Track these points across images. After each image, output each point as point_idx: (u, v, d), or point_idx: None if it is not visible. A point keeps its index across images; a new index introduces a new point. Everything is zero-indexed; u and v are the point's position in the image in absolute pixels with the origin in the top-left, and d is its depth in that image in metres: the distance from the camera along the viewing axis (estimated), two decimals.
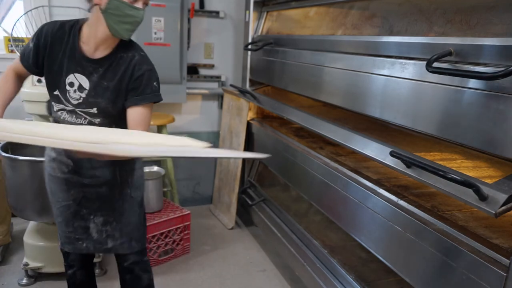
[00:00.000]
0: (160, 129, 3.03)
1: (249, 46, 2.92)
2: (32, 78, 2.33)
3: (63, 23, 1.56)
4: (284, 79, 2.50)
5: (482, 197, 1.15)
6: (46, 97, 2.25)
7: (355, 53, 1.83)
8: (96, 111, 1.55)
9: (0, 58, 2.87)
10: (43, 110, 2.31)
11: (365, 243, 1.69)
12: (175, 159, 3.33)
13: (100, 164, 1.64)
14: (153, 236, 2.53)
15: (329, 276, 1.98)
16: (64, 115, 1.58)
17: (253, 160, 3.13)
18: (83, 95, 1.54)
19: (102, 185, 1.66)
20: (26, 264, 2.28)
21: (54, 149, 1.65)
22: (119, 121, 1.58)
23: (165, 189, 3.08)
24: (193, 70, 3.38)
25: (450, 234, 1.30)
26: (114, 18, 1.44)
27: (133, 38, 2.97)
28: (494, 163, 1.53)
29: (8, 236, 2.56)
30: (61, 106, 1.57)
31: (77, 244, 1.72)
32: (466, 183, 1.16)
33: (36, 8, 2.77)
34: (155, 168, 2.91)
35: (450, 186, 1.25)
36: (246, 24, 3.03)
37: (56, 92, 1.56)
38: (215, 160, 3.47)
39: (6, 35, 2.85)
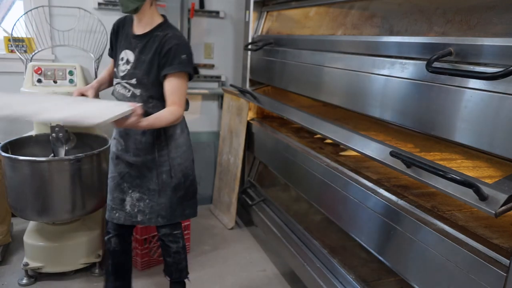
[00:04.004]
0: None
1: (249, 46, 2.92)
2: (32, 78, 2.33)
3: (125, 16, 1.91)
4: (284, 79, 2.50)
5: (482, 197, 1.15)
6: None
7: (355, 53, 1.83)
8: (135, 82, 1.83)
9: (0, 58, 2.88)
10: None
11: (365, 243, 1.69)
12: None
13: (144, 147, 1.90)
14: (153, 236, 2.53)
15: (329, 276, 1.98)
16: (118, 87, 1.89)
17: (253, 160, 3.13)
18: (128, 67, 1.85)
19: (144, 166, 1.92)
20: (26, 264, 2.28)
21: (115, 129, 1.96)
22: (155, 93, 1.85)
23: None
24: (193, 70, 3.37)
25: (450, 234, 1.30)
26: None
27: None
28: (494, 163, 1.53)
29: (8, 236, 2.56)
30: (116, 80, 1.90)
31: (111, 213, 1.97)
32: (466, 183, 1.16)
33: (36, 8, 2.77)
34: None
35: (450, 186, 1.25)
36: (246, 24, 3.03)
37: (115, 69, 1.91)
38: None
39: (6, 35, 2.85)
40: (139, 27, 1.86)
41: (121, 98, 1.89)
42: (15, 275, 2.37)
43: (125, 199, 1.95)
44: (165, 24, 1.87)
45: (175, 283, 2.18)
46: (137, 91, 1.84)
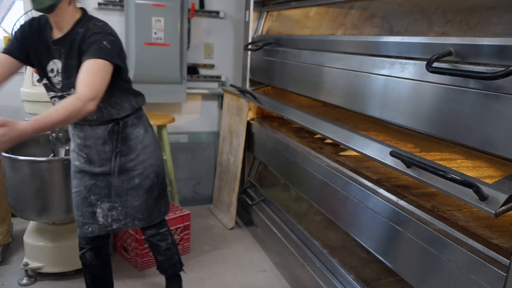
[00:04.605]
0: (160, 129, 3.03)
1: (249, 46, 2.92)
2: (32, 78, 2.33)
3: (39, 18, 1.69)
4: (284, 79, 2.50)
5: (482, 197, 1.15)
6: (46, 97, 2.27)
7: (355, 53, 1.83)
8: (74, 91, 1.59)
9: None
10: (43, 110, 2.31)
11: (365, 243, 1.69)
12: (175, 159, 3.32)
13: (109, 156, 1.79)
14: None
15: (329, 276, 1.98)
16: (57, 101, 1.71)
17: (253, 160, 3.13)
18: (60, 78, 1.66)
19: (114, 174, 1.81)
20: (26, 264, 2.28)
21: (72, 143, 1.84)
22: (104, 94, 1.54)
23: None
24: (193, 70, 3.38)
25: (450, 234, 1.30)
26: None
27: (133, 37, 2.93)
28: (494, 163, 1.53)
29: (8, 236, 2.56)
30: (52, 93, 1.72)
31: (83, 228, 1.85)
32: (466, 183, 1.16)
33: None
34: None
35: (450, 186, 1.25)
36: (246, 24, 3.03)
37: (45, 81, 1.71)
38: (214, 159, 3.47)
39: (6, 35, 2.85)
40: (58, 30, 1.63)
41: None
42: (15, 275, 2.37)
43: (96, 211, 1.83)
44: (84, 17, 1.65)
45: (171, 278, 2.17)
46: None
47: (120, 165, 1.81)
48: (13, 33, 1.71)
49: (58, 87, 1.68)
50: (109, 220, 1.85)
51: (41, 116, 1.36)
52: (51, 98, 1.74)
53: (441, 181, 1.27)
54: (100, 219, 1.84)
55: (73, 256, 2.36)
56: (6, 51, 1.67)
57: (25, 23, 1.70)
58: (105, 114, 1.74)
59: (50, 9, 1.55)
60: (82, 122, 1.76)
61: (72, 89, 1.60)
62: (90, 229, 1.85)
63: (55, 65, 1.66)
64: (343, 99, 1.92)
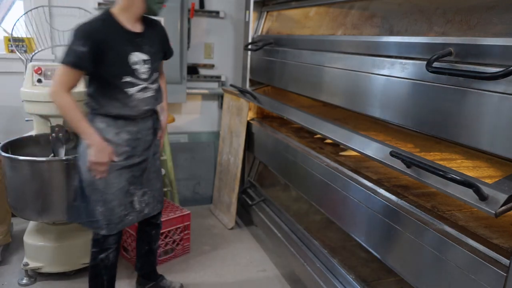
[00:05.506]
0: None
1: (249, 46, 2.92)
2: (32, 78, 2.33)
3: (101, 20, 1.76)
4: (284, 79, 2.50)
5: (482, 197, 1.16)
6: (46, 97, 2.27)
7: (355, 53, 1.83)
8: (157, 75, 1.91)
9: (0, 58, 2.88)
10: (43, 110, 2.31)
11: (365, 243, 1.69)
12: (175, 159, 3.32)
13: (150, 143, 1.94)
14: None
15: (329, 276, 1.98)
16: (140, 94, 1.82)
17: (253, 160, 3.13)
18: (149, 65, 1.84)
19: (146, 161, 1.94)
20: (26, 264, 2.28)
21: (113, 141, 1.81)
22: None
23: (165, 189, 3.08)
24: (193, 70, 3.38)
25: (450, 234, 1.30)
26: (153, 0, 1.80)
27: None
28: (494, 163, 1.53)
29: (8, 236, 2.56)
30: (137, 87, 1.81)
31: (125, 220, 1.91)
32: (466, 183, 1.16)
33: (36, 8, 2.77)
34: None
35: (450, 186, 1.25)
36: (246, 24, 3.03)
37: (128, 79, 1.77)
38: (214, 159, 3.47)
39: (6, 35, 2.85)
40: (134, 23, 1.80)
41: (144, 104, 1.85)
42: (15, 275, 2.37)
43: (133, 200, 1.93)
44: None
45: (155, 271, 2.30)
46: (154, 85, 1.89)
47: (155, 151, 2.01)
48: (77, 47, 1.66)
49: (145, 76, 1.82)
50: (143, 205, 1.97)
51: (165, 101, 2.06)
52: (138, 92, 1.81)
53: (441, 181, 1.27)
54: (137, 206, 1.94)
55: (73, 256, 2.36)
56: (80, 67, 1.70)
57: (90, 31, 1.69)
58: (158, 103, 1.96)
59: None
60: (135, 116, 1.85)
61: (156, 74, 1.90)
62: (130, 218, 1.93)
63: (137, 56, 1.80)
64: (343, 99, 1.92)
